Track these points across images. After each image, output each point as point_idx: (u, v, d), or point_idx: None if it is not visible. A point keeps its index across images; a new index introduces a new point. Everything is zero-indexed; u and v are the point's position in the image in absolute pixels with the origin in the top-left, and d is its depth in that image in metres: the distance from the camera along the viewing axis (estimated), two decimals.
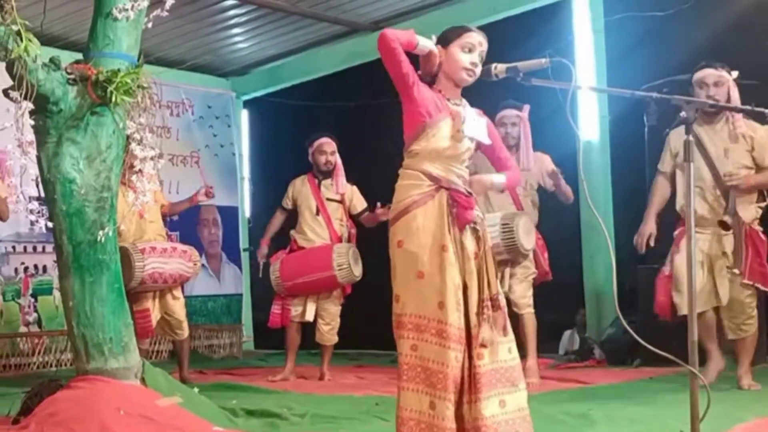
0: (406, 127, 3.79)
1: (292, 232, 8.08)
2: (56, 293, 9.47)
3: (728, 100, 6.07)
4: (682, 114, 3.34)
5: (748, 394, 5.91)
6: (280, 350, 11.31)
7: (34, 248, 9.80)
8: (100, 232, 4.96)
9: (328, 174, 7.96)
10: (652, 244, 6.52)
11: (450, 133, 3.72)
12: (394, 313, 3.65)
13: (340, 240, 7.89)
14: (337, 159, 7.95)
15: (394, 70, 3.70)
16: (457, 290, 3.62)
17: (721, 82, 6.16)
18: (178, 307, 7.73)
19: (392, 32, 3.67)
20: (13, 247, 9.65)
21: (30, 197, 4.95)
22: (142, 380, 5.10)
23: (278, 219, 8.26)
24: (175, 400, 5.02)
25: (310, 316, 7.91)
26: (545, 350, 8.36)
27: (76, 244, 4.97)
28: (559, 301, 7.41)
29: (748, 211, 6.21)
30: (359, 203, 8.02)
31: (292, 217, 8.18)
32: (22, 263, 9.73)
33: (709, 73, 6.18)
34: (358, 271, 7.68)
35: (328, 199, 7.94)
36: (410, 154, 3.76)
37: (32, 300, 9.77)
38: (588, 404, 5.49)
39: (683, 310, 5.92)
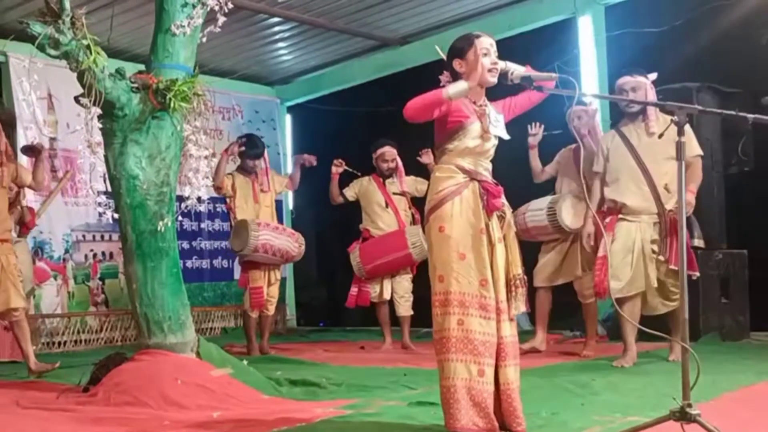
0: (439, 129, 3.78)
1: (363, 224, 8.12)
2: (122, 277, 9.55)
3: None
4: (674, 118, 3.30)
5: (734, 366, 5.80)
6: (320, 328, 11.41)
7: (102, 237, 9.88)
8: (161, 223, 5.01)
9: (391, 175, 8.03)
10: (592, 243, 6.27)
11: (479, 133, 3.72)
12: (438, 293, 3.63)
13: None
14: (398, 162, 8.01)
15: (427, 120, 3.71)
16: (491, 268, 3.63)
17: (638, 87, 6.01)
18: (274, 288, 8.01)
19: (413, 108, 3.62)
20: (84, 236, 9.73)
21: (98, 192, 5.02)
22: (197, 354, 5.15)
23: (337, 191, 8.14)
24: (226, 371, 5.06)
25: (387, 295, 7.96)
26: (557, 327, 8.46)
27: (138, 233, 5.02)
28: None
29: (672, 200, 5.90)
30: (422, 185, 7.85)
31: (353, 210, 8.29)
32: (92, 250, 9.82)
33: (626, 81, 6.06)
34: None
35: (394, 194, 8.00)
36: (443, 152, 3.75)
37: (100, 283, 9.85)
38: (591, 375, 5.49)
39: (616, 294, 5.75)
